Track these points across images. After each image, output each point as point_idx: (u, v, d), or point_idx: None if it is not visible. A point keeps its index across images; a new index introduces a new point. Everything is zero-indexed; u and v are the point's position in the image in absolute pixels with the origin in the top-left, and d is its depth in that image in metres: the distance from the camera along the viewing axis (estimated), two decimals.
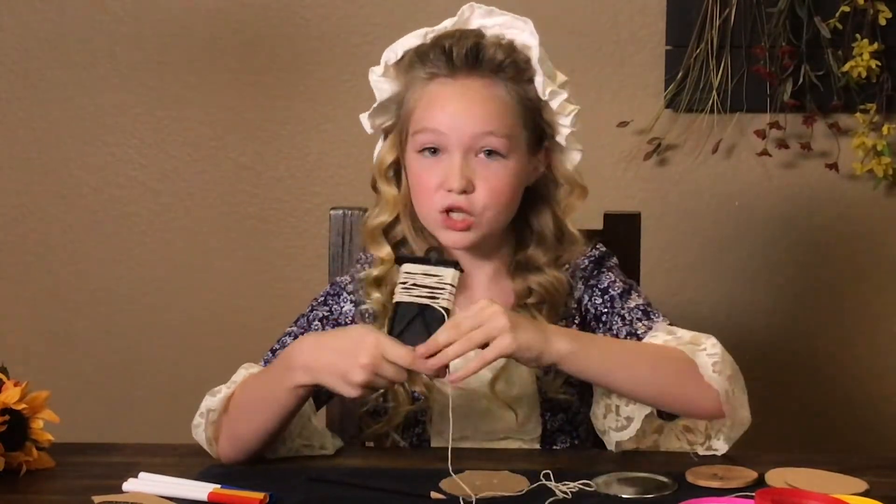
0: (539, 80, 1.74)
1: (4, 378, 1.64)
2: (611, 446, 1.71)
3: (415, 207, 1.77)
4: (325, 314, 1.82)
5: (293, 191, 2.70)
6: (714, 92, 2.57)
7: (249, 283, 2.73)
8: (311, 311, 1.83)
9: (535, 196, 1.79)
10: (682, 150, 2.64)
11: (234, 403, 1.68)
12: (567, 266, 1.80)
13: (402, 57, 1.77)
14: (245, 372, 1.73)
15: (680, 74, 2.58)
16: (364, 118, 1.82)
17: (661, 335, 1.71)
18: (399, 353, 1.55)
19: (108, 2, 2.68)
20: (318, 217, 2.63)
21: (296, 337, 1.80)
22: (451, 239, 1.75)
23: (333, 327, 1.81)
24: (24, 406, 1.61)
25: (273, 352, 1.80)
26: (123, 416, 2.74)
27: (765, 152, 2.58)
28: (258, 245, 2.72)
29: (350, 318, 1.81)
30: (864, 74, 2.52)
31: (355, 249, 1.99)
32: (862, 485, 1.55)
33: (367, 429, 1.80)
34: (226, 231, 2.72)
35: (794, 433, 2.67)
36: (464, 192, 1.70)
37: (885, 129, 2.55)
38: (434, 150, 1.72)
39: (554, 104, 1.75)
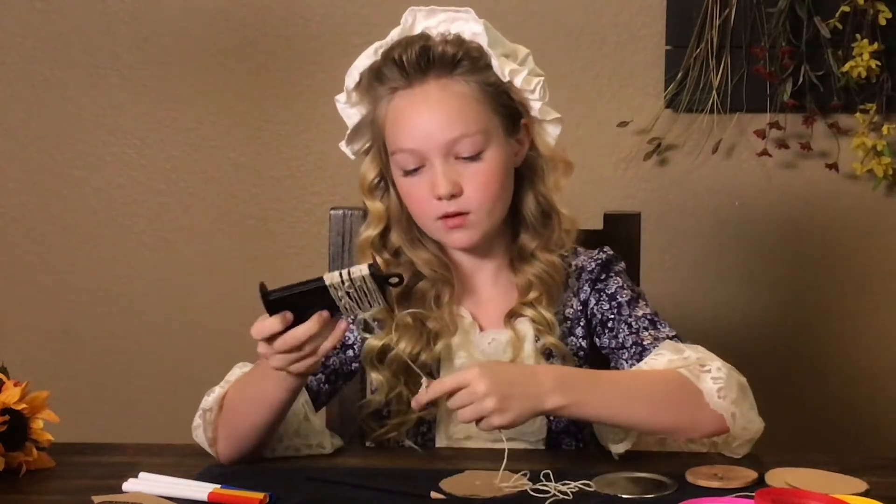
0: (495, 64, 1.74)
1: (4, 378, 1.64)
2: (614, 454, 1.70)
3: (414, 220, 1.78)
4: None
5: (293, 191, 2.70)
6: (714, 92, 2.57)
7: (249, 283, 2.71)
8: None
9: (520, 179, 1.79)
10: (682, 150, 2.64)
11: (228, 402, 1.68)
12: (559, 249, 1.80)
13: (360, 79, 1.78)
14: (239, 371, 1.73)
15: (680, 74, 2.58)
16: (344, 146, 1.84)
17: (666, 354, 1.69)
18: (265, 326, 1.55)
19: (109, 2, 2.68)
20: (318, 217, 2.63)
21: None
22: (455, 240, 1.76)
23: None
24: (24, 406, 1.61)
25: None
26: (123, 416, 2.74)
27: (765, 152, 2.58)
28: (258, 245, 2.72)
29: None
30: (863, 74, 2.52)
31: (355, 249, 1.99)
32: (862, 485, 1.55)
33: (372, 432, 1.80)
34: (225, 231, 2.72)
35: (793, 433, 2.67)
36: (453, 196, 1.71)
37: (885, 129, 2.55)
38: (415, 169, 1.73)
39: (517, 82, 1.75)
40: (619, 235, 1.98)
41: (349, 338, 1.81)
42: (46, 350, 2.75)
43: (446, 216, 1.73)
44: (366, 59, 1.78)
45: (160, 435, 1.83)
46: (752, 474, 1.57)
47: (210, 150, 2.71)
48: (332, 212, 2.04)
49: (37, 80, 2.71)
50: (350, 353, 1.81)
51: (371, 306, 1.53)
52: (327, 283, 1.50)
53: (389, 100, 1.75)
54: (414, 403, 1.60)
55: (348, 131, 1.84)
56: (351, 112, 1.83)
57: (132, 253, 2.74)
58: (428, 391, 1.57)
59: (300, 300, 1.52)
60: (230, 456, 1.68)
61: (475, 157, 1.72)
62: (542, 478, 1.54)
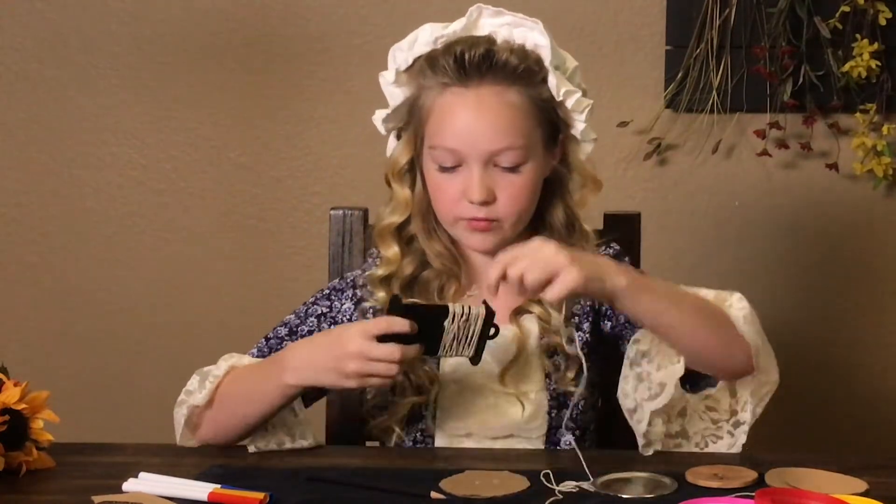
0: (553, 83, 1.73)
1: (4, 378, 1.64)
2: (641, 424, 1.69)
3: (435, 213, 1.78)
4: (325, 311, 1.82)
5: (293, 191, 2.70)
6: (714, 92, 2.57)
7: (249, 283, 2.73)
8: (314, 303, 1.83)
9: (548, 187, 1.79)
10: (682, 150, 2.64)
11: (220, 395, 1.70)
12: None
13: (413, 63, 1.76)
14: (226, 364, 1.73)
15: (680, 74, 2.58)
16: (377, 121, 1.82)
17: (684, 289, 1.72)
18: (394, 322, 1.58)
19: (109, 2, 2.68)
20: (318, 217, 2.63)
21: (291, 329, 1.82)
22: (474, 242, 1.76)
23: (330, 326, 1.81)
24: (24, 406, 1.61)
25: (267, 340, 1.81)
26: (123, 416, 2.74)
27: (765, 152, 2.58)
28: (258, 245, 2.72)
29: (348, 317, 1.81)
30: (864, 74, 2.52)
31: (355, 249, 1.99)
32: (862, 485, 1.55)
33: (373, 421, 1.80)
34: (225, 231, 2.72)
35: (794, 433, 2.67)
36: (485, 202, 1.71)
37: (885, 129, 2.55)
38: (451, 167, 1.72)
39: (569, 103, 1.75)
40: (619, 235, 1.98)
41: None
42: (46, 350, 2.75)
43: (473, 219, 1.72)
44: (422, 45, 1.75)
45: (160, 435, 1.83)
46: (752, 474, 1.58)
47: (210, 150, 2.71)
48: (332, 212, 2.04)
49: (37, 80, 2.71)
50: None
51: (463, 352, 1.62)
52: (451, 310, 1.58)
53: (439, 93, 1.73)
54: (489, 290, 1.61)
55: (388, 110, 1.80)
56: (396, 92, 1.79)
57: (132, 253, 2.74)
58: (496, 263, 1.58)
59: (421, 318, 1.59)
60: (208, 441, 1.71)
61: (513, 169, 1.72)
62: (541, 478, 1.54)
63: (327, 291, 1.84)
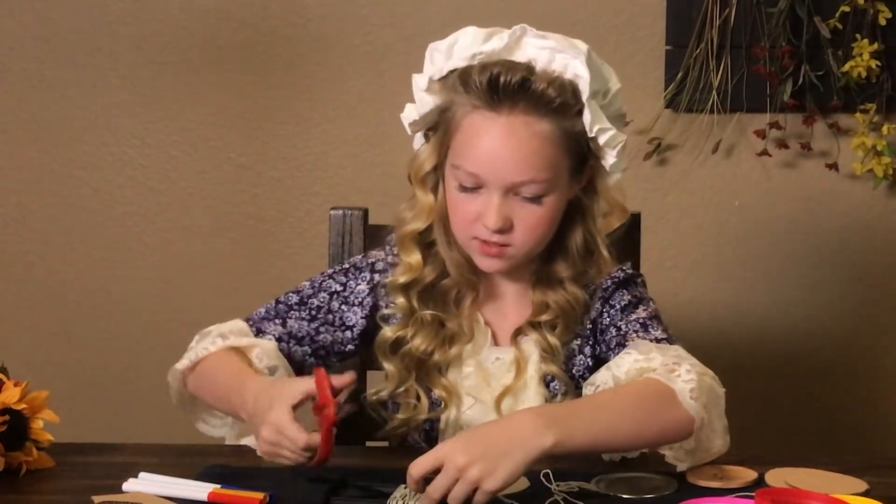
0: (587, 119, 1.67)
1: (4, 378, 1.64)
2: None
3: (451, 227, 1.74)
4: (338, 289, 1.79)
5: (293, 191, 2.70)
6: (714, 92, 2.57)
7: (249, 283, 2.73)
8: (330, 276, 1.80)
9: (570, 211, 1.75)
10: (682, 150, 2.64)
11: (203, 366, 1.72)
12: (591, 285, 1.77)
13: (447, 74, 1.72)
14: (223, 343, 1.74)
15: (680, 74, 2.58)
16: (405, 121, 1.78)
17: (633, 353, 1.64)
18: (294, 436, 1.51)
19: (109, 2, 2.68)
20: (318, 217, 2.63)
21: (302, 299, 1.79)
22: (484, 264, 1.72)
23: (340, 305, 1.78)
24: (24, 406, 1.61)
25: (276, 303, 1.80)
26: (123, 416, 2.74)
27: (765, 152, 2.59)
28: (258, 245, 2.72)
29: (361, 299, 1.78)
30: (864, 74, 2.52)
31: (355, 249, 1.99)
32: (862, 485, 1.55)
33: (382, 423, 1.79)
34: (225, 231, 2.72)
35: (794, 433, 2.67)
36: (500, 230, 1.67)
37: (885, 129, 2.55)
38: (471, 188, 1.68)
39: (601, 140, 1.69)
40: (619, 235, 1.97)
41: (351, 318, 1.79)
42: (46, 350, 2.75)
43: (486, 243, 1.69)
44: (460, 56, 1.70)
45: (160, 435, 1.83)
46: (752, 474, 1.58)
47: (210, 150, 2.71)
48: (332, 212, 2.03)
49: (37, 80, 2.71)
50: (348, 333, 1.79)
51: None
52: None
53: (468, 112, 1.68)
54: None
55: (416, 116, 1.76)
56: (426, 98, 1.74)
57: (132, 253, 2.74)
58: (410, 472, 1.47)
59: None
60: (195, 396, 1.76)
61: (535, 199, 1.67)
62: (542, 478, 1.54)
63: (347, 266, 1.81)
